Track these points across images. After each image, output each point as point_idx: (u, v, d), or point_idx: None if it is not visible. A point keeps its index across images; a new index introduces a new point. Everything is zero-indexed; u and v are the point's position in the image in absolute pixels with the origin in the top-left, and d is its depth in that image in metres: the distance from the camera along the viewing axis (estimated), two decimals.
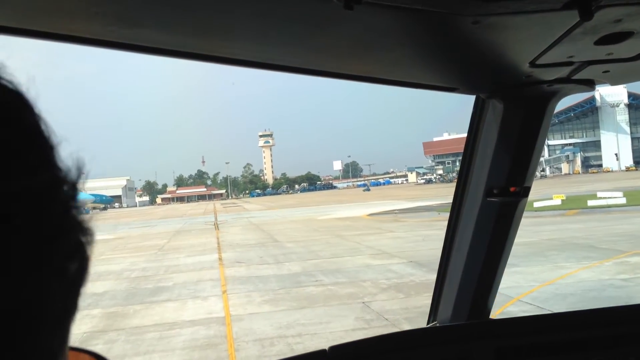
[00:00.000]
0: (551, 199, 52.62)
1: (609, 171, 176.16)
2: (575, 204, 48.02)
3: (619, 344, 3.02)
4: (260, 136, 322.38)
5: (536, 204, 49.51)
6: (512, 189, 2.69)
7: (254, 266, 25.32)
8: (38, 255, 0.57)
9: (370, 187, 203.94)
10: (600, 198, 49.24)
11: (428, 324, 3.36)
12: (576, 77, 2.12)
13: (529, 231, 30.40)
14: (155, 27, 1.58)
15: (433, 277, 3.40)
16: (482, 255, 2.97)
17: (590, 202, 46.63)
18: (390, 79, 2.18)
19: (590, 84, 2.23)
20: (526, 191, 2.75)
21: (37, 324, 0.57)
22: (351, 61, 1.99)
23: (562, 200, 51.58)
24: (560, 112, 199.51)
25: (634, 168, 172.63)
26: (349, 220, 51.10)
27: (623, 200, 45.86)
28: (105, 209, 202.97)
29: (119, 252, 36.92)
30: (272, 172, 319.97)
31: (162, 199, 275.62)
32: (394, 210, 61.01)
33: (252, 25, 1.57)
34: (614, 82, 2.27)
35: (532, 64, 1.91)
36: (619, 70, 2.05)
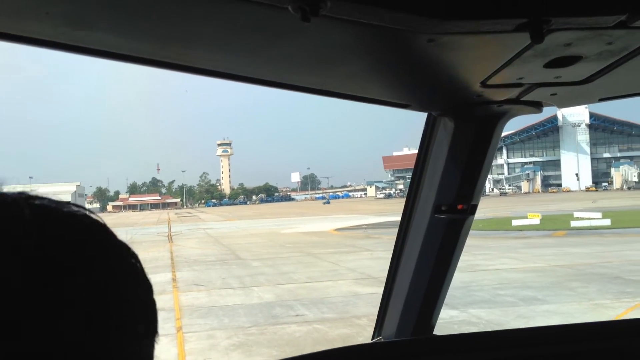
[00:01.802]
0: (526, 217, 49.94)
1: (568, 191, 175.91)
2: (556, 224, 45.37)
3: None
4: (219, 145, 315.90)
5: (514, 222, 46.76)
6: (459, 207, 2.67)
7: (215, 291, 21.00)
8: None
9: (330, 200, 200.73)
10: (580, 219, 46.67)
11: (373, 339, 3.31)
12: (525, 98, 2.15)
13: (528, 254, 26.97)
14: (108, 30, 1.52)
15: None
16: (428, 271, 2.95)
17: (574, 223, 43.84)
18: (344, 93, 2.13)
19: (538, 106, 2.25)
20: (473, 209, 2.72)
21: None
22: (306, 73, 1.94)
23: (539, 219, 48.64)
24: (522, 131, 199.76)
25: (593, 188, 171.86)
26: (316, 236, 47.07)
27: (607, 222, 43.19)
28: None
29: None
30: (230, 182, 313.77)
31: (114, 207, 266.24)
32: (362, 225, 57.45)
33: (207, 33, 1.53)
34: (561, 104, 2.29)
35: (483, 84, 1.92)
36: (566, 94, 2.09)
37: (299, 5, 1.22)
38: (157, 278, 25.13)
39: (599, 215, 46.53)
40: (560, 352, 3.11)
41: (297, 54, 1.70)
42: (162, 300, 19.44)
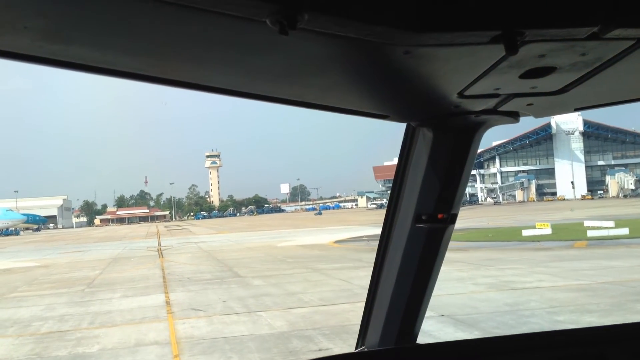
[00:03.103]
0: (534, 227, 47.33)
1: (563, 199, 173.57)
2: (570, 234, 42.74)
3: None
4: (207, 156, 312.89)
5: (525, 232, 44.15)
6: (439, 216, 2.70)
7: (217, 318, 18.10)
8: None
9: (322, 211, 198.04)
10: (593, 228, 44.08)
11: (356, 348, 3.32)
12: (502, 108, 2.17)
13: (562, 268, 24.27)
14: (85, 44, 1.54)
15: None
16: (410, 280, 2.96)
17: (591, 233, 41.16)
18: (324, 104, 2.16)
19: (515, 116, 2.28)
20: (453, 218, 2.75)
21: None
22: (285, 85, 1.96)
23: (550, 229, 46.01)
24: (515, 139, 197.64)
25: (589, 197, 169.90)
26: (316, 249, 44.23)
27: (624, 231, 40.46)
28: (38, 229, 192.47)
29: (36, 288, 29.00)
30: (219, 193, 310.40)
31: (101, 220, 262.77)
32: (362, 236, 54.71)
33: (185, 46, 1.56)
34: (537, 114, 2.33)
35: (461, 94, 1.94)
36: (542, 103, 2.12)
37: (277, 19, 1.24)
38: (149, 301, 22.26)
39: (612, 224, 44.05)
40: (544, 358, 3.11)
41: (275, 67, 1.70)
42: (156, 330, 16.60)
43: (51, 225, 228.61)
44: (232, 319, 17.73)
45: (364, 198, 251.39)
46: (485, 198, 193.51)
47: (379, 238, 3.13)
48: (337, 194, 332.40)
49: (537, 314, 15.68)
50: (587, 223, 47.88)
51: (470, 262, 28.43)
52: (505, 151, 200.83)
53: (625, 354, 3.16)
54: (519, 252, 32.37)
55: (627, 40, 1.50)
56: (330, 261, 33.68)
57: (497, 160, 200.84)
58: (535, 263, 26.93)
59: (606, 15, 1.37)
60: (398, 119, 2.41)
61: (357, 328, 12.16)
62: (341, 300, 19.76)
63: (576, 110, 2.33)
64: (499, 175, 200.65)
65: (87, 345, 15.24)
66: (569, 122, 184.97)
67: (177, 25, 1.38)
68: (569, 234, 42.96)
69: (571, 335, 3.38)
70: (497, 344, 3.28)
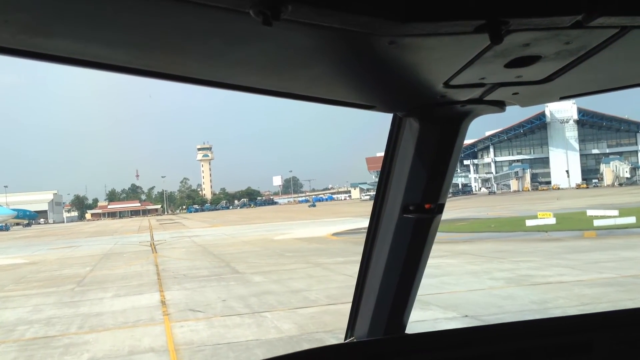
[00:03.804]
0: (536, 217, 46.13)
1: (558, 188, 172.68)
2: (575, 224, 41.57)
3: (531, 357, 3.11)
4: (199, 149, 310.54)
5: (528, 222, 42.90)
6: (427, 206, 2.69)
7: (217, 320, 16.66)
8: None
9: (315, 203, 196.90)
10: (598, 217, 42.90)
11: (346, 339, 3.35)
12: (488, 98, 2.16)
13: (579, 261, 22.98)
14: (68, 37, 1.52)
15: None
16: (398, 270, 2.96)
17: (597, 222, 39.95)
18: (310, 96, 2.14)
19: (501, 105, 2.26)
20: (440, 208, 2.74)
21: None
22: (270, 77, 1.94)
23: (555, 219, 44.79)
24: (510, 129, 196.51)
25: (584, 185, 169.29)
26: (315, 242, 42.90)
27: (631, 220, 39.32)
28: (29, 224, 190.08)
29: (24, 287, 27.50)
30: (211, 186, 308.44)
31: (92, 215, 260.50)
32: (360, 229, 53.49)
33: (170, 38, 1.54)
34: (523, 103, 2.32)
35: (446, 84, 1.94)
36: (528, 92, 2.11)
37: (260, 10, 1.23)
38: (143, 301, 20.82)
39: (617, 213, 42.99)
40: (531, 346, 3.12)
41: (260, 58, 1.70)
42: (150, 335, 15.14)
43: (42, 220, 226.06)
44: (234, 321, 16.31)
45: (357, 189, 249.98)
46: (480, 188, 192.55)
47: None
48: (330, 186, 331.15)
49: (570, 313, 14.35)
50: (590, 212, 46.92)
51: (480, 255, 27.16)
52: (499, 141, 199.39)
53: (612, 340, 3.20)
54: (528, 243, 31.14)
55: (611, 28, 1.49)
56: (332, 255, 32.35)
57: (492, 150, 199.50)
58: (549, 255, 25.68)
59: (589, 4, 1.35)
60: (384, 109, 2.38)
61: None
62: (351, 299, 18.37)
63: (562, 99, 2.30)
64: (493, 165, 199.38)
65: (76, 354, 13.80)
66: (564, 111, 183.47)
67: (160, 16, 1.35)
68: (574, 224, 41.79)
69: (559, 322, 3.47)
70: (485, 333, 3.38)
